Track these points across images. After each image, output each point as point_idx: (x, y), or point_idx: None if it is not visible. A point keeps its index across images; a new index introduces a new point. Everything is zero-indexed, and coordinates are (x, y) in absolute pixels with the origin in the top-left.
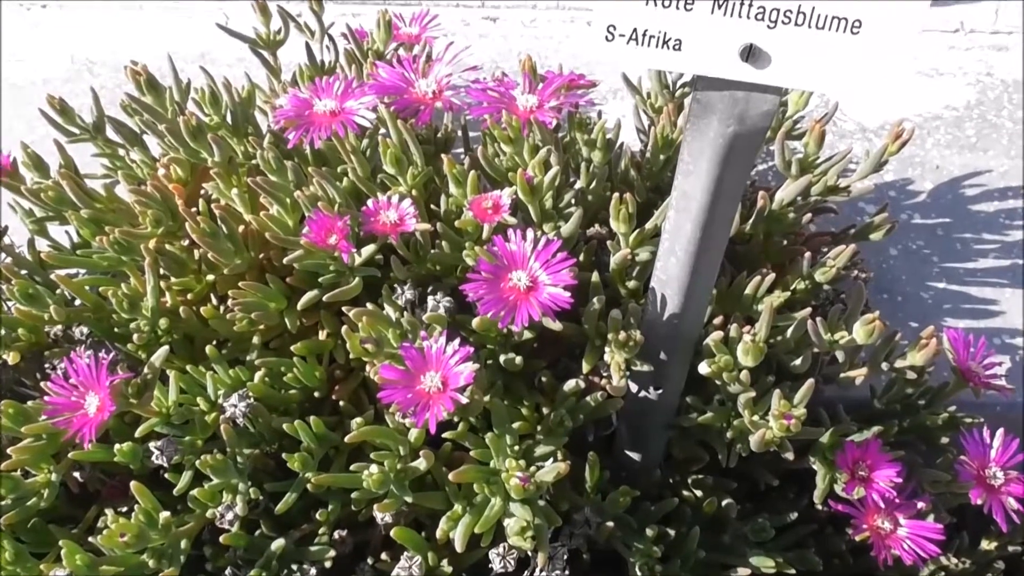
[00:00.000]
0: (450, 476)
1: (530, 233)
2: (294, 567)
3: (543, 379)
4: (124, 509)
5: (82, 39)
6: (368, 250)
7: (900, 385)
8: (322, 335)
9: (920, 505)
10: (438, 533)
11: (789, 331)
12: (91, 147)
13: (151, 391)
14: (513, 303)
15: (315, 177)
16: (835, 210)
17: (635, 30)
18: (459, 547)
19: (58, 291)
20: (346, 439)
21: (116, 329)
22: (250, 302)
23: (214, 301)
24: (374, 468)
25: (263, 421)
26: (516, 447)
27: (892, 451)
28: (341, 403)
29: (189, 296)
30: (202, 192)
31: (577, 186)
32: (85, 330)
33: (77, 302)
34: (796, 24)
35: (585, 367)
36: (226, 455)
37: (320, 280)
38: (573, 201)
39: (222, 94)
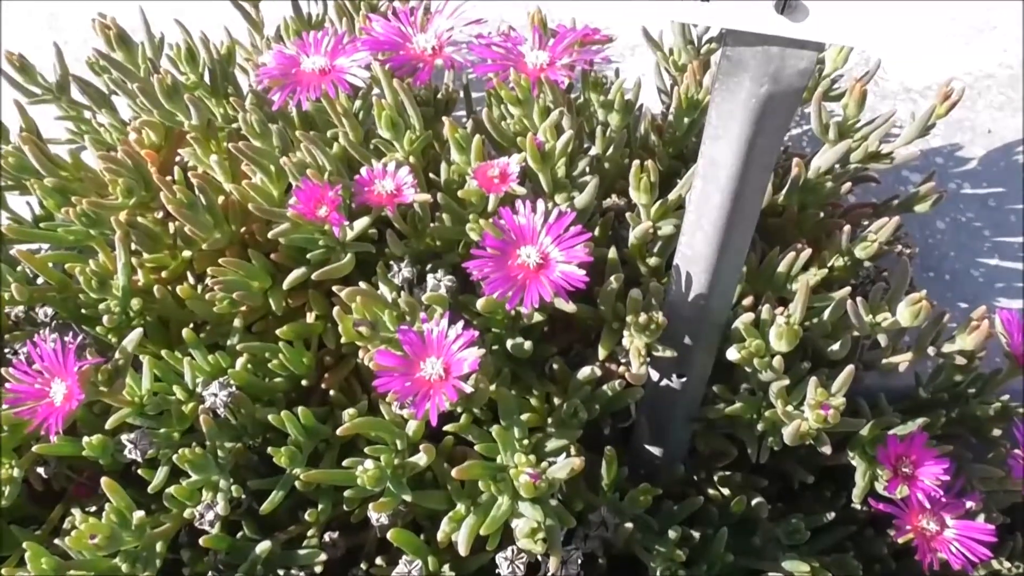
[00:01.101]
0: (453, 472)
1: (541, 204)
2: (280, 572)
3: (555, 366)
4: (93, 508)
5: None
6: (361, 223)
7: (948, 372)
8: (310, 317)
9: (969, 504)
10: (439, 535)
11: (826, 313)
12: (55, 109)
13: (123, 378)
14: (522, 282)
15: (303, 142)
16: (877, 179)
17: None
18: (463, 550)
19: (19, 268)
20: (338, 432)
21: (84, 310)
22: (231, 281)
23: (191, 280)
24: (369, 464)
25: (246, 412)
26: (525, 441)
27: (939, 445)
28: (331, 392)
29: (164, 274)
30: (178, 159)
31: (592, 152)
32: (50, 311)
33: (40, 280)
34: None
35: (601, 353)
36: (205, 449)
37: (308, 257)
38: (588, 169)
39: (199, 51)
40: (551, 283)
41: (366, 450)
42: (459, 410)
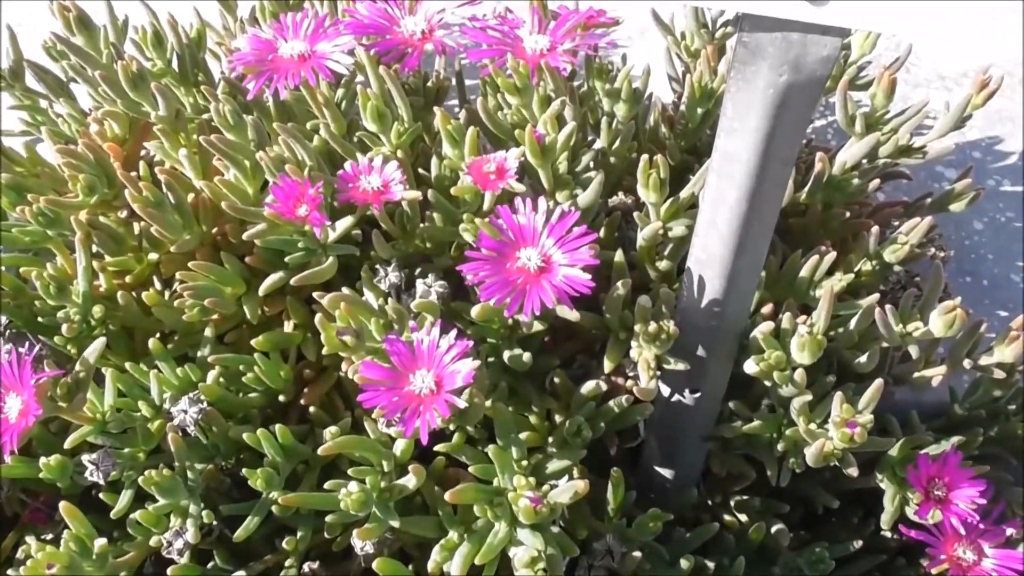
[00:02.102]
0: (446, 496)
1: (542, 203)
2: None
3: (556, 380)
4: (50, 536)
5: None
6: (345, 223)
7: (985, 386)
8: (288, 326)
9: (1009, 532)
10: (430, 565)
11: (853, 321)
12: (8, 98)
13: (83, 393)
14: (522, 287)
15: (280, 135)
16: (908, 175)
17: None
18: None
19: None
20: (319, 451)
21: (41, 318)
22: (202, 286)
23: (158, 285)
24: (353, 486)
25: (218, 430)
26: (524, 462)
27: (975, 466)
28: (311, 409)
29: (128, 279)
30: (143, 153)
31: (597, 146)
32: (3, 319)
33: None
34: None
35: (607, 365)
36: (174, 471)
37: (286, 260)
38: (592, 164)
39: (167, 35)
40: (553, 288)
41: (349, 471)
42: (451, 428)
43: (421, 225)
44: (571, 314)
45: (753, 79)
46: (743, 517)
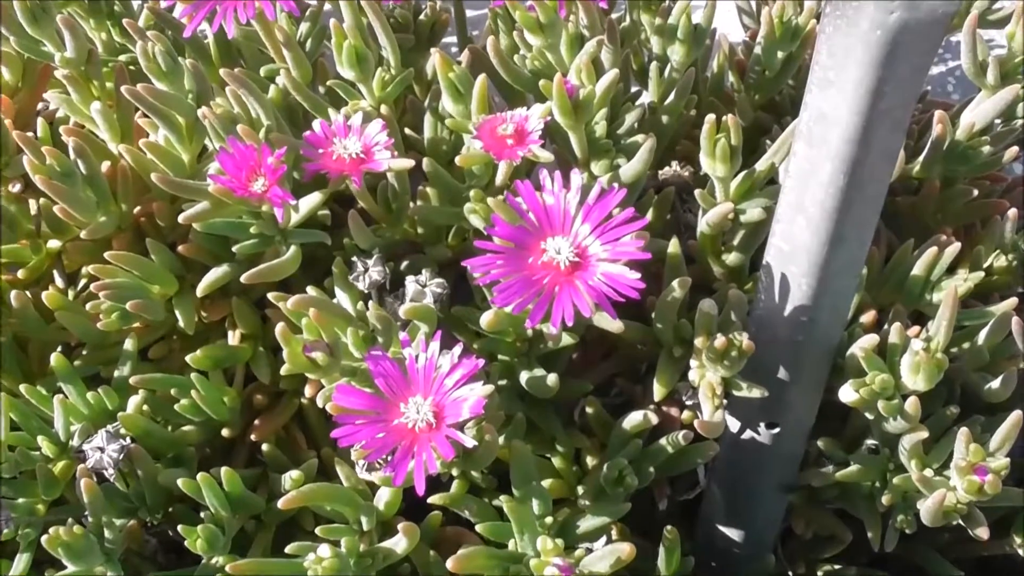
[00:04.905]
0: (448, 564)
1: (575, 176)
2: None
3: (589, 410)
4: None
5: None
6: (312, 201)
7: None
8: (234, 338)
9: None
10: None
11: (982, 335)
12: None
13: None
14: (548, 289)
15: (228, 84)
16: None
17: None
18: None
19: None
20: (279, 504)
21: None
22: (121, 284)
23: (61, 282)
24: (324, 550)
25: (144, 474)
26: (549, 519)
27: None
28: (265, 447)
29: (21, 273)
30: (42, 106)
31: (645, 100)
32: None
33: None
34: None
35: (657, 392)
36: (86, 528)
37: (234, 250)
38: (638, 125)
39: None
40: (590, 290)
41: (317, 530)
42: (451, 473)
43: (412, 204)
44: (612, 324)
45: (855, 16)
46: None
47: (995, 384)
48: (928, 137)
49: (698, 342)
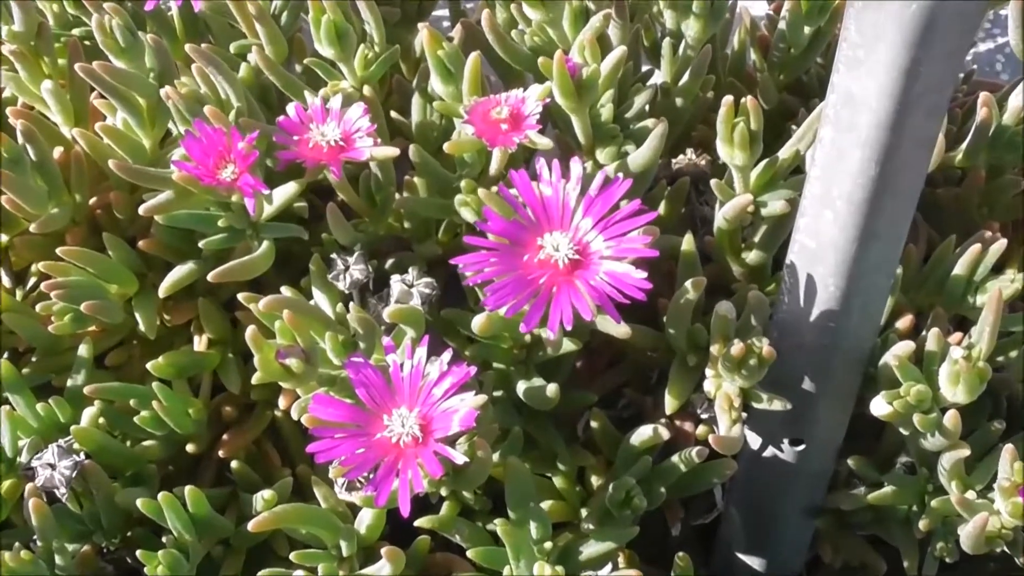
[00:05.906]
0: None
1: (576, 165)
2: None
3: (593, 424)
4: None
5: None
6: (287, 192)
7: None
8: (200, 343)
9: None
10: None
11: None
12: None
13: None
14: (546, 289)
15: (195, 61)
16: None
17: None
18: None
19: None
20: (249, 527)
21: None
22: (75, 283)
23: (7, 281)
24: None
25: (99, 494)
26: (548, 544)
27: None
28: (234, 464)
29: None
30: None
31: (656, 81)
32: None
33: None
34: None
35: (669, 404)
36: (35, 553)
37: (200, 245)
38: (649, 108)
39: None
40: (592, 291)
41: (292, 556)
42: (439, 493)
43: (398, 196)
44: (618, 328)
45: None
46: None
47: None
48: (973, 122)
49: (714, 349)
